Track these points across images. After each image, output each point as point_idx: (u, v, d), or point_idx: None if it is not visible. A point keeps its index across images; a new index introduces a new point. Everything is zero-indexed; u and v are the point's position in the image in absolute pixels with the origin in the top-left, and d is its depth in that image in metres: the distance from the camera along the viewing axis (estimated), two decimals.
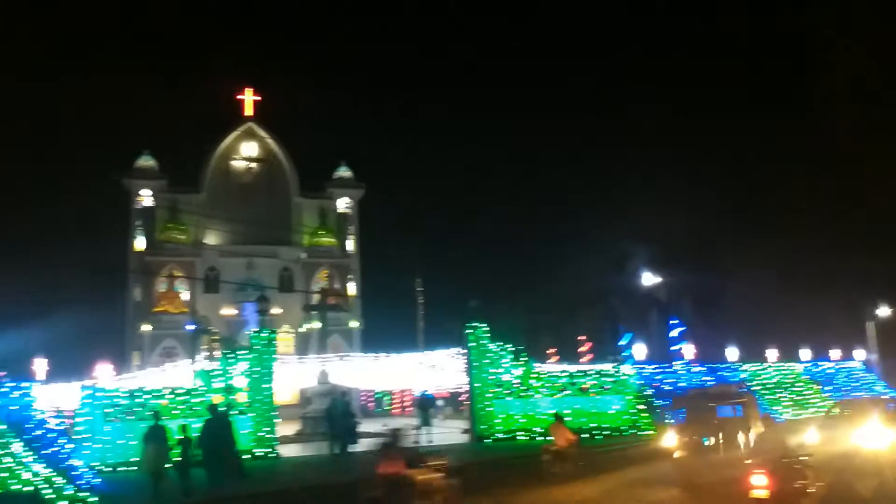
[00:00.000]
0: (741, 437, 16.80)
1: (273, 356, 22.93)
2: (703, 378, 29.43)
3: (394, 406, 42.08)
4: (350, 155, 56.94)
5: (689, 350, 34.52)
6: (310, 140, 65.67)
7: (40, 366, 27.67)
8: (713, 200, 65.30)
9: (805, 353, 37.90)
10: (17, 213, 56.42)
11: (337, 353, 36.28)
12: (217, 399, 20.68)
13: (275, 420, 22.22)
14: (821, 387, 32.13)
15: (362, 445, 21.52)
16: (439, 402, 33.27)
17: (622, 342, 29.49)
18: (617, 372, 26.48)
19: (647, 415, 25.42)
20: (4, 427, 15.60)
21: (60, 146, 72.81)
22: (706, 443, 16.58)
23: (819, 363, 35.51)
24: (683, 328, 36.73)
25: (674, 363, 31.41)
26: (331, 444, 21.98)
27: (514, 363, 25.00)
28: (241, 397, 21.84)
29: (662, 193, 69.19)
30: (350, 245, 55.20)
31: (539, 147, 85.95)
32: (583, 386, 25.54)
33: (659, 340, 38.69)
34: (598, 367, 27.52)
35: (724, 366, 31.80)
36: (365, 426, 24.67)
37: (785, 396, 30.34)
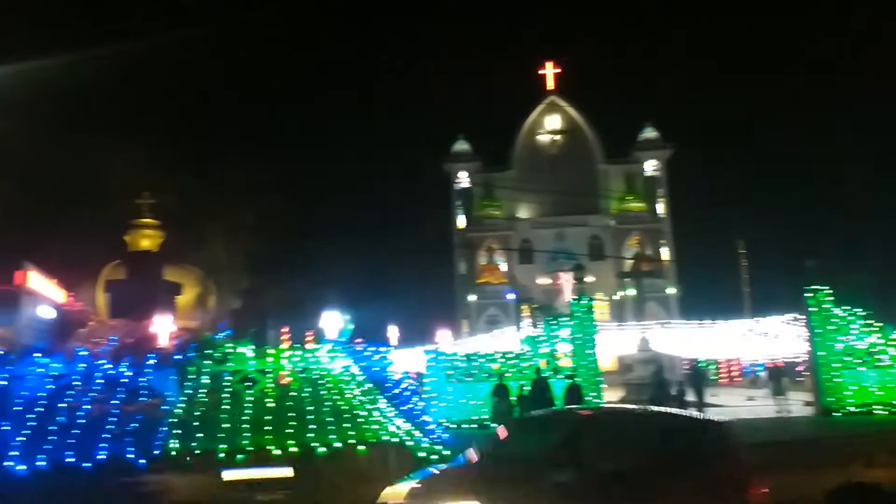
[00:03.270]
0: None
1: (593, 323, 23.28)
2: None
3: (720, 376, 39.87)
4: (655, 115, 54.90)
5: None
6: (612, 105, 64.49)
7: (392, 333, 31.41)
8: None
9: None
10: (367, 204, 65.04)
11: (655, 321, 35.50)
12: (543, 364, 21.75)
13: (601, 385, 22.55)
14: None
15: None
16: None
17: None
18: None
19: None
20: (371, 385, 18.07)
21: (383, 137, 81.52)
22: None
23: None
24: None
25: None
26: None
27: (867, 329, 22.06)
28: (565, 362, 22.54)
29: None
30: (660, 209, 53.48)
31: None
32: None
33: None
34: None
35: None
36: (690, 396, 23.77)
37: None
